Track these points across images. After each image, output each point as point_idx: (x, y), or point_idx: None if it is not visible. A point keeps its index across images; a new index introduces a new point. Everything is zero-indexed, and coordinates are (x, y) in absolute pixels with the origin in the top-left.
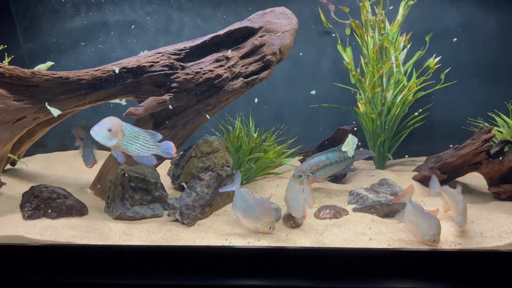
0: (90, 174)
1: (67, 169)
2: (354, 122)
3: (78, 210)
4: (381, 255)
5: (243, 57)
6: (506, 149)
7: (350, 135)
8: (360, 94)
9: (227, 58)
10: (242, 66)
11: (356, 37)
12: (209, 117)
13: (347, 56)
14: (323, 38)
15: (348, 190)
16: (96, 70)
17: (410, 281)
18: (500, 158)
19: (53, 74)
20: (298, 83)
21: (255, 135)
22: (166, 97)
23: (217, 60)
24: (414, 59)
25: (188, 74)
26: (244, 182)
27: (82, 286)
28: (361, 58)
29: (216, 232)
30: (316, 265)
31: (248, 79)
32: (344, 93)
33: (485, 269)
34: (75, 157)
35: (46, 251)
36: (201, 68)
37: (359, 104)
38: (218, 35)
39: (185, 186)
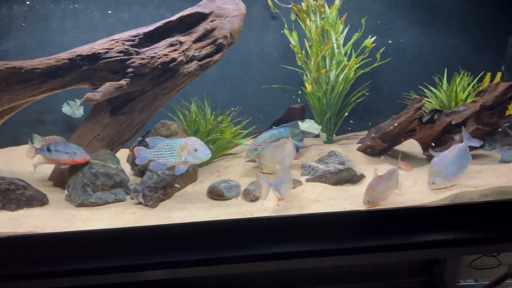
0: (47, 168)
1: (23, 164)
2: (299, 101)
3: (39, 200)
4: (335, 218)
5: (196, 41)
6: (435, 117)
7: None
8: (306, 76)
9: (181, 43)
10: (196, 49)
11: (300, 21)
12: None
13: (293, 39)
14: (271, 23)
15: (300, 164)
16: (50, 59)
17: (362, 239)
18: (432, 125)
19: (5, 64)
20: (249, 66)
21: (212, 118)
22: (123, 82)
23: (171, 45)
24: (352, 40)
25: (143, 59)
26: (204, 164)
27: (48, 274)
28: (306, 41)
29: (180, 210)
30: (277, 232)
31: (202, 62)
32: (292, 74)
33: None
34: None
35: (8, 243)
36: (155, 53)
37: (306, 84)
38: (170, 21)
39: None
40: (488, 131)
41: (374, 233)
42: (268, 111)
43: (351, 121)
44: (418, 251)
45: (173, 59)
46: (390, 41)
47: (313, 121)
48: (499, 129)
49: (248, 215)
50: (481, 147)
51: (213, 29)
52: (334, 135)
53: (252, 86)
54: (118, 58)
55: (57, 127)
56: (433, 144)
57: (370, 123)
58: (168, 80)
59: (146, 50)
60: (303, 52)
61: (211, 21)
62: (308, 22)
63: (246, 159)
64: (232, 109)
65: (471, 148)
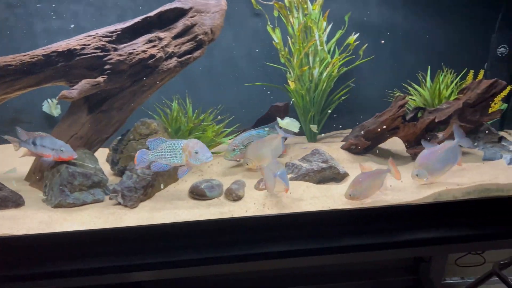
0: (23, 167)
1: None
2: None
3: (13, 201)
4: (318, 216)
5: (175, 37)
6: (419, 114)
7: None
8: (290, 73)
9: (160, 39)
10: (175, 46)
11: (282, 18)
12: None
13: (276, 37)
14: (254, 20)
15: (284, 163)
16: (24, 55)
17: (345, 238)
18: (414, 123)
19: None
20: (232, 64)
21: (194, 116)
22: (100, 79)
23: (150, 41)
24: (336, 37)
25: (121, 55)
26: None
27: (24, 277)
28: (289, 38)
29: (161, 211)
30: (259, 232)
31: (182, 58)
32: (276, 72)
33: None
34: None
35: None
36: (134, 49)
37: (289, 81)
38: (149, 16)
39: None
40: (471, 128)
41: (357, 232)
42: (251, 109)
43: (335, 118)
44: (402, 249)
45: (152, 56)
46: (382, 41)
47: (293, 119)
48: (482, 127)
49: (229, 215)
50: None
51: (193, 25)
52: (319, 134)
53: (235, 84)
54: (95, 54)
55: (36, 126)
56: (430, 137)
57: (354, 121)
58: (147, 77)
59: (124, 47)
60: (286, 49)
61: (191, 17)
62: (291, 19)
63: (225, 159)
64: (215, 107)
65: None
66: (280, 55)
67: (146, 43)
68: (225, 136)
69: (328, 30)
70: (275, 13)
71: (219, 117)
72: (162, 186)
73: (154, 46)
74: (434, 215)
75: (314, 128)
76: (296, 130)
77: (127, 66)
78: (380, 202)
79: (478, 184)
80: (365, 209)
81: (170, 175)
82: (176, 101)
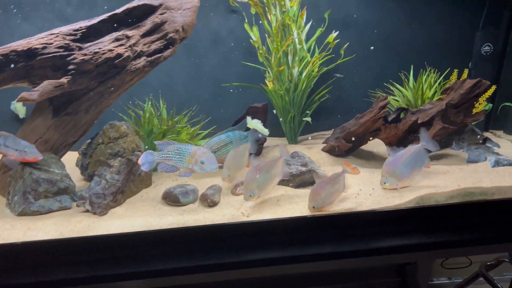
0: None
1: None
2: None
3: None
4: (296, 223)
5: (144, 35)
6: (402, 115)
7: (248, 118)
8: (269, 73)
9: (128, 37)
10: (144, 44)
11: (260, 15)
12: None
13: (254, 35)
14: (231, 17)
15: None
16: None
17: (326, 245)
18: (396, 124)
19: None
20: (209, 63)
21: (168, 118)
22: (64, 80)
23: (117, 39)
24: (315, 35)
25: (85, 54)
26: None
27: None
28: (267, 36)
29: (131, 218)
30: (234, 240)
31: (152, 57)
32: (255, 72)
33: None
34: None
35: None
36: (100, 48)
37: (266, 81)
38: (116, 14)
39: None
40: (454, 130)
41: (337, 239)
42: (229, 110)
43: (317, 119)
44: (383, 256)
45: (119, 55)
46: (372, 47)
47: (261, 123)
48: (467, 128)
49: (204, 222)
50: (444, 147)
51: (163, 23)
52: (300, 135)
53: (212, 84)
54: (58, 54)
55: (6, 126)
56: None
57: (337, 122)
58: (115, 77)
59: (90, 45)
60: (264, 48)
61: (161, 14)
62: (269, 16)
63: None
64: (190, 108)
65: (441, 146)
66: (258, 54)
67: (112, 41)
68: (201, 139)
69: (307, 28)
70: (252, 10)
71: (195, 118)
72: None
73: (121, 45)
74: (417, 220)
75: (308, 119)
76: (266, 134)
77: (92, 66)
78: (360, 207)
79: (461, 188)
80: (345, 215)
81: (142, 180)
82: (150, 102)
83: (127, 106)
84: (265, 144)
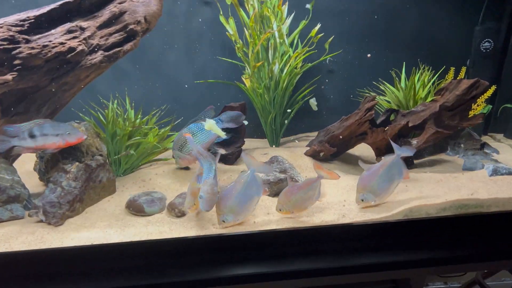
0: None
1: None
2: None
3: None
4: (273, 236)
5: (101, 27)
6: (392, 117)
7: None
8: (247, 69)
9: (82, 29)
10: (101, 37)
11: (237, 6)
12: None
13: (230, 27)
14: (205, 9)
15: (240, 171)
16: None
17: (303, 261)
18: (385, 128)
19: None
20: (181, 58)
21: (135, 118)
22: (9, 76)
23: (70, 31)
24: (299, 28)
25: (33, 48)
26: (123, 172)
27: None
28: (245, 30)
29: (90, 230)
30: (202, 255)
31: (110, 52)
32: (233, 68)
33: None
34: None
35: None
36: (50, 41)
37: (243, 78)
38: (68, 2)
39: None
40: (448, 134)
41: (315, 254)
42: (204, 109)
43: (301, 119)
44: (367, 274)
45: (72, 49)
46: (369, 55)
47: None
48: (463, 132)
49: (170, 235)
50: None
51: (122, 13)
52: (282, 136)
53: (184, 81)
54: (2, 47)
55: None
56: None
57: (322, 122)
58: (68, 74)
59: (39, 38)
60: (241, 42)
61: (120, 3)
62: (247, 6)
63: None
64: (160, 108)
65: (435, 152)
66: (236, 48)
67: (65, 33)
68: (172, 141)
69: (289, 20)
70: (228, 1)
71: (165, 119)
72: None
73: (74, 38)
74: (405, 234)
75: (313, 105)
76: (223, 136)
77: (41, 61)
78: (343, 219)
79: (455, 199)
80: (327, 228)
81: (104, 187)
82: (116, 101)
83: (89, 104)
84: (244, 147)
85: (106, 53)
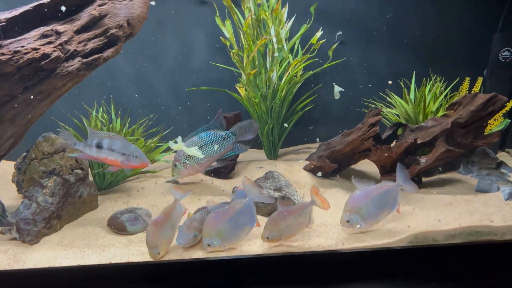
0: None
1: None
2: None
3: None
4: (265, 262)
5: (79, 31)
6: (399, 132)
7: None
8: (243, 77)
9: (58, 33)
10: (79, 43)
11: (233, 8)
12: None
13: (226, 30)
14: (201, 9)
15: (233, 186)
16: None
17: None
18: (391, 145)
19: None
20: (171, 64)
21: (118, 127)
22: None
23: (45, 36)
24: (300, 33)
25: (3, 54)
26: (108, 185)
27: None
28: (241, 34)
29: (67, 249)
30: (188, 278)
31: (88, 59)
32: (229, 75)
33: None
34: None
35: None
36: (22, 46)
37: (237, 87)
38: (43, 4)
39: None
40: (460, 153)
41: (308, 282)
42: (196, 119)
43: (301, 129)
44: None
45: (46, 55)
46: (390, 82)
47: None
48: (478, 149)
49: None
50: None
51: (102, 16)
52: (280, 148)
53: (176, 88)
54: None
55: None
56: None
57: (325, 133)
58: (43, 82)
59: (10, 43)
60: (237, 47)
61: (100, 5)
62: (244, 8)
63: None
64: (148, 116)
65: (446, 170)
66: (231, 53)
67: (39, 38)
68: (163, 151)
69: (289, 24)
70: (225, 1)
71: (154, 129)
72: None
73: (49, 43)
74: (409, 263)
75: (337, 92)
76: (201, 156)
77: (13, 68)
78: (341, 245)
79: (466, 226)
80: (321, 254)
81: (84, 203)
82: (102, 108)
83: (71, 113)
84: (239, 158)
85: (85, 60)
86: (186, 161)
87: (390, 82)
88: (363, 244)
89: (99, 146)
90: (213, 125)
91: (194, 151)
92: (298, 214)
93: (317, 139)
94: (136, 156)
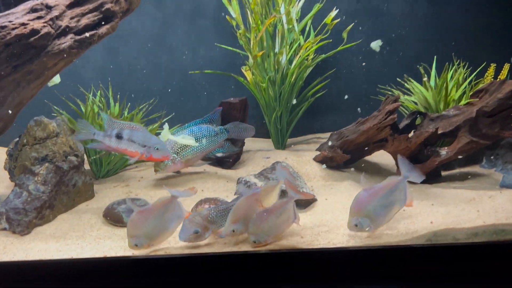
0: None
1: None
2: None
3: None
4: (267, 259)
5: (72, 5)
6: (418, 121)
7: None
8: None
9: (48, 7)
10: (72, 18)
11: None
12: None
13: (233, 10)
14: None
15: (238, 176)
16: None
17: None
18: (409, 134)
19: None
20: (174, 45)
21: (116, 112)
22: None
23: (34, 10)
24: (312, 12)
25: None
26: (105, 174)
27: None
28: (249, 13)
29: (59, 241)
30: (189, 275)
31: (82, 36)
32: (236, 57)
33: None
34: None
35: None
36: (10, 22)
37: (243, 70)
38: None
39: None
40: (484, 145)
41: (315, 282)
42: (199, 105)
43: (311, 118)
44: None
45: (35, 31)
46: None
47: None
48: (503, 141)
49: (153, 252)
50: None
51: None
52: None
53: (178, 72)
54: None
55: None
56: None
57: (336, 122)
58: (33, 61)
59: None
60: (243, 28)
61: None
62: None
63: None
64: (148, 100)
65: (467, 163)
66: (238, 34)
67: (28, 13)
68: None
69: (301, 3)
70: None
71: (154, 114)
72: None
73: (39, 18)
74: (427, 262)
75: (377, 45)
76: (193, 144)
77: (0, 45)
78: (353, 241)
79: (490, 223)
80: (326, 251)
81: (79, 192)
82: (99, 92)
83: (70, 96)
84: (245, 148)
85: (78, 37)
86: (175, 155)
87: (425, 78)
88: (376, 241)
89: (119, 137)
90: (207, 119)
91: (187, 140)
92: (280, 212)
93: (328, 129)
94: (157, 149)
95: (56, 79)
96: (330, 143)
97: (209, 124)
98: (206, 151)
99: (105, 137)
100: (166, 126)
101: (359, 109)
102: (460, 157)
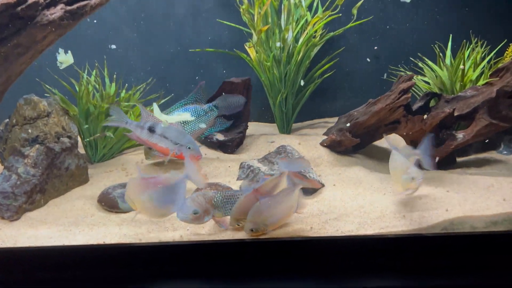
0: None
1: None
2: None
3: None
4: (267, 246)
5: None
6: (432, 103)
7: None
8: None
9: None
10: None
11: None
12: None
13: None
14: None
15: (240, 161)
16: None
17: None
18: (424, 115)
19: None
20: (173, 21)
21: (111, 93)
22: None
23: None
24: None
25: None
26: (101, 157)
27: None
28: None
29: (51, 227)
30: (185, 264)
31: (73, 6)
32: (240, 34)
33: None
34: None
35: None
36: None
37: (246, 47)
38: None
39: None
40: (506, 128)
41: (321, 273)
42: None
43: (318, 101)
44: None
45: (22, 0)
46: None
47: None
48: None
49: (147, 239)
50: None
51: None
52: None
53: (176, 50)
54: None
55: None
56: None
57: (344, 106)
58: (20, 33)
59: None
60: (247, 2)
61: None
62: None
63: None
64: (146, 81)
65: (484, 149)
66: (241, 10)
67: None
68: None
69: None
70: None
71: (152, 95)
72: None
73: None
74: (443, 253)
75: None
76: (189, 118)
77: None
78: (363, 229)
79: (510, 211)
80: (341, 239)
81: (72, 176)
82: (94, 72)
83: (64, 75)
84: (248, 132)
85: (68, 8)
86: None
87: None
88: (389, 229)
89: (151, 130)
90: (192, 98)
91: (182, 116)
92: (284, 200)
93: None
94: (189, 148)
95: (70, 58)
96: (339, 126)
97: (195, 104)
98: (197, 133)
99: (137, 127)
100: (155, 105)
101: (385, 74)
102: (477, 140)
